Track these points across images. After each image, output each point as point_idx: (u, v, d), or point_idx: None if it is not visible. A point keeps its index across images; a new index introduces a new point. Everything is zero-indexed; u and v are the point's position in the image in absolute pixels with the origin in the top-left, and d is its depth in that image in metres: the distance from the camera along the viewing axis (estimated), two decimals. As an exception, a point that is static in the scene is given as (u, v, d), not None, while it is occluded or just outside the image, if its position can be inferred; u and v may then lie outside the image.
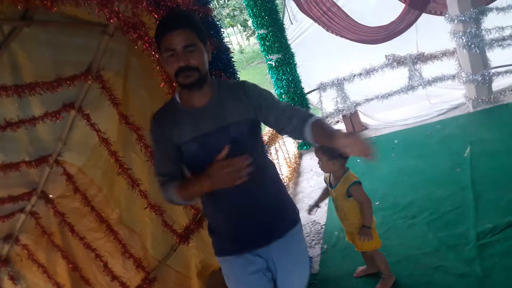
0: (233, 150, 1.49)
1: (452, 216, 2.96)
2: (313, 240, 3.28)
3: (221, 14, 19.72)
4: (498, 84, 5.16)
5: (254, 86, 1.64)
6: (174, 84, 2.26)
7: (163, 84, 2.26)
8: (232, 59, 2.29)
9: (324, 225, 3.45)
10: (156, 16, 1.83)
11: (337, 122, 5.96)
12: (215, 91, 1.59)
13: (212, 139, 1.54)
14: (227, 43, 2.30)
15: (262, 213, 1.65)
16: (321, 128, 1.47)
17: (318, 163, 2.38)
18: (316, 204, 2.59)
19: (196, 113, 1.56)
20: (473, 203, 3.02)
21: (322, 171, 2.47)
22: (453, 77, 5.29)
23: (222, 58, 2.19)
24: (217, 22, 2.21)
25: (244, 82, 1.66)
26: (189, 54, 1.46)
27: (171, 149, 1.59)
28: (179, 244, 2.93)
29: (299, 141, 5.49)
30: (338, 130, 1.44)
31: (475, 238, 2.64)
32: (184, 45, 1.44)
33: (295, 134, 1.57)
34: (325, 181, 2.55)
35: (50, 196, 3.07)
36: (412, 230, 2.95)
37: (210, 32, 2.16)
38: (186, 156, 1.58)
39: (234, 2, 18.94)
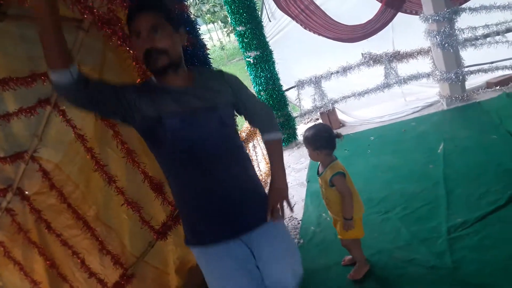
0: (219, 129, 1.54)
1: (425, 211, 3.05)
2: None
3: (202, 10, 19.64)
4: (471, 82, 5.32)
5: (233, 75, 1.70)
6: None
7: (139, 80, 2.25)
8: (209, 56, 2.30)
9: (300, 220, 3.50)
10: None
11: (316, 119, 6.03)
12: (197, 75, 1.59)
13: (202, 117, 1.52)
14: (204, 39, 2.31)
15: (242, 199, 1.62)
16: (268, 151, 1.79)
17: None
18: None
19: (181, 91, 1.52)
20: (445, 198, 3.12)
21: (299, 167, 2.53)
22: (428, 75, 5.43)
23: (198, 55, 2.20)
24: (193, 19, 2.22)
25: (222, 70, 1.70)
26: (156, 36, 1.43)
27: (120, 96, 1.47)
28: (157, 240, 2.93)
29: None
30: (279, 173, 1.75)
31: (446, 232, 2.73)
32: (150, 26, 1.42)
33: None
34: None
35: (26, 192, 3.03)
36: (386, 225, 3.04)
37: (186, 29, 2.16)
38: (168, 130, 1.48)
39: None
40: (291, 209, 1.81)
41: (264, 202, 1.71)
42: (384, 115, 5.47)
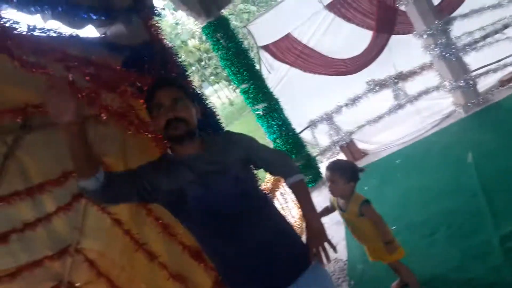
0: (236, 188, 1.59)
1: (470, 226, 2.94)
2: (339, 278, 3.25)
3: (205, 75, 20.39)
4: (484, 84, 5.30)
5: (240, 134, 1.80)
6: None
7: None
8: (219, 121, 2.41)
9: (346, 261, 3.43)
10: (142, 101, 1.95)
11: (337, 153, 6.03)
12: (207, 141, 1.70)
13: (217, 180, 1.58)
14: (212, 108, 2.43)
15: (273, 252, 1.62)
16: (295, 195, 1.78)
17: (329, 186, 2.46)
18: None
19: (193, 159, 1.61)
20: (488, 208, 3.01)
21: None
22: (437, 87, 5.44)
23: (210, 123, 2.31)
24: (198, 92, 2.35)
25: (228, 131, 1.84)
26: (177, 107, 1.56)
27: (141, 184, 1.56)
28: (210, 307, 2.91)
29: (304, 180, 5.53)
30: (311, 216, 1.73)
31: (498, 243, 2.62)
32: (172, 98, 1.56)
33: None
34: (332, 205, 2.64)
35: (77, 284, 3.08)
36: (433, 248, 2.94)
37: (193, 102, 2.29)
38: (190, 199, 1.55)
39: (214, 61, 19.61)
40: (334, 249, 1.74)
41: (301, 250, 1.70)
42: (405, 136, 5.45)
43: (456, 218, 3.10)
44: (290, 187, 1.77)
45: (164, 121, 1.55)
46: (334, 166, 2.46)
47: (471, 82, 5.06)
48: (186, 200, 1.56)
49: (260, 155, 1.74)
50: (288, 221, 1.85)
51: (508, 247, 2.55)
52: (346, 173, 2.41)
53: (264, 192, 1.86)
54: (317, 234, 1.70)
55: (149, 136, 2.13)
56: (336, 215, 4.16)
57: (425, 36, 5.02)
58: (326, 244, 1.70)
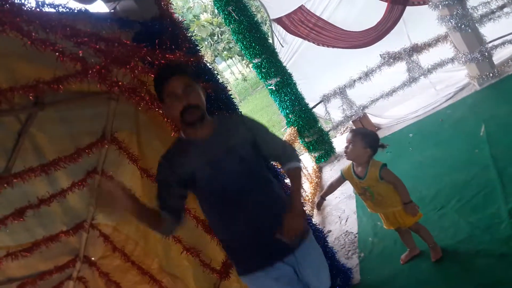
0: (241, 167, 1.72)
1: (480, 198, 2.96)
2: (349, 250, 3.30)
3: (218, 49, 20.21)
4: (499, 56, 5.17)
5: (250, 118, 1.91)
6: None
7: (173, 133, 2.39)
8: (231, 96, 2.41)
9: (357, 234, 3.47)
10: (152, 76, 1.97)
11: (348, 128, 6.00)
12: (216, 124, 1.79)
13: (223, 161, 1.72)
14: (223, 84, 2.43)
15: (271, 228, 1.74)
16: (291, 179, 1.89)
17: (346, 147, 2.53)
18: (323, 198, 2.75)
19: (203, 143, 1.74)
20: (499, 180, 3.01)
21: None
22: (452, 60, 5.33)
23: (221, 98, 2.32)
24: (211, 67, 2.35)
25: (239, 114, 1.97)
26: (190, 94, 1.66)
27: (175, 189, 1.76)
28: (221, 281, 3.00)
29: (316, 155, 5.55)
30: (295, 200, 1.83)
31: (507, 215, 2.63)
32: (184, 86, 1.65)
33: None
34: (342, 175, 2.68)
35: (92, 259, 3.20)
36: (444, 220, 2.96)
37: (205, 77, 2.29)
38: (200, 182, 1.73)
39: (227, 36, 19.39)
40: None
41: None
42: (418, 109, 5.39)
43: (467, 191, 3.11)
44: (287, 171, 1.91)
45: (180, 109, 1.65)
46: (357, 130, 2.57)
47: (486, 53, 4.94)
48: (197, 181, 1.73)
49: (266, 140, 1.85)
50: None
51: (517, 219, 2.56)
52: (367, 138, 2.49)
53: (270, 169, 1.97)
54: (298, 215, 1.81)
55: (160, 112, 2.15)
56: (346, 188, 4.22)
57: (440, 7, 4.88)
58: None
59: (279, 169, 2.22)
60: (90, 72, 1.74)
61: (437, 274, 2.55)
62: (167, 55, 2.02)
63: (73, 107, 2.35)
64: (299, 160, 1.94)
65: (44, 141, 2.25)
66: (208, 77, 2.28)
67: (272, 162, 2.37)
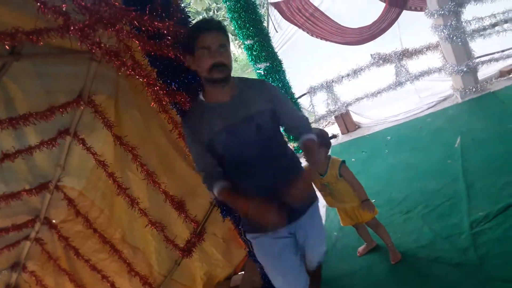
0: (258, 135, 1.75)
1: (446, 208, 3.02)
2: (313, 242, 3.33)
3: (210, 26, 19.83)
4: (484, 73, 5.24)
5: (273, 86, 1.95)
6: (163, 102, 2.34)
7: (153, 103, 2.34)
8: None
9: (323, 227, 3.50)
10: (137, 42, 1.91)
11: (332, 123, 6.02)
12: (237, 87, 1.79)
13: (240, 128, 1.74)
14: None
15: (283, 193, 1.76)
16: (306, 149, 1.90)
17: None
18: None
19: (222, 107, 1.76)
20: (465, 193, 3.08)
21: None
22: (439, 69, 5.38)
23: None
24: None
25: (263, 80, 1.93)
26: (223, 52, 1.67)
27: (203, 147, 1.81)
28: (183, 258, 3.00)
29: (295, 145, 5.56)
30: (309, 169, 1.92)
31: (468, 227, 2.70)
32: (219, 44, 1.66)
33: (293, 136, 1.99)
34: None
35: (53, 221, 3.14)
36: (408, 225, 3.02)
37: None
38: (217, 147, 1.76)
39: (223, 13, 19.06)
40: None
41: (310, 191, 1.99)
42: (399, 114, 5.44)
43: (434, 199, 3.18)
44: (304, 142, 1.93)
45: (210, 64, 1.65)
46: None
47: (472, 68, 5.01)
48: (216, 145, 1.76)
49: (286, 112, 1.89)
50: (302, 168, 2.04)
51: (476, 232, 2.65)
52: (327, 142, 2.58)
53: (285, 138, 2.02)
54: (308, 181, 1.87)
55: (141, 80, 2.09)
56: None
57: (436, 16, 4.90)
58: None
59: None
60: (72, 28, 1.66)
61: (394, 276, 2.60)
62: (156, 23, 1.95)
63: (51, 62, 2.27)
64: (314, 133, 1.99)
65: (16, 93, 2.17)
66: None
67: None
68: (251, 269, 2.91)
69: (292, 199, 1.72)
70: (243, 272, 3.14)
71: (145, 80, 2.12)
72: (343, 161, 2.59)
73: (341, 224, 2.85)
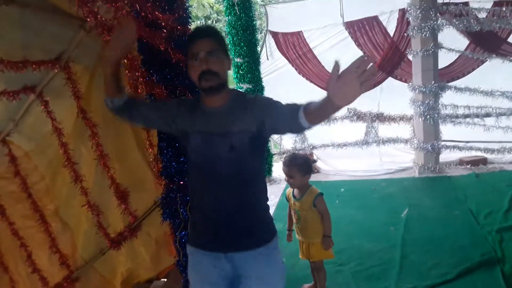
0: (230, 155, 1.65)
1: (377, 271, 3.11)
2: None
3: (205, 34, 19.96)
4: (445, 156, 5.52)
5: (265, 98, 1.76)
6: (139, 90, 2.32)
7: (128, 88, 2.31)
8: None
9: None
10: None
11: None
12: (230, 99, 1.71)
13: (215, 140, 1.66)
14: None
15: (232, 221, 1.70)
16: (311, 111, 1.51)
17: (288, 180, 2.65)
18: (289, 230, 2.86)
19: (210, 113, 1.70)
20: (399, 262, 3.19)
21: (273, 202, 2.60)
22: (406, 141, 5.62)
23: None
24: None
25: (257, 96, 1.82)
26: (211, 60, 1.60)
27: (155, 112, 1.81)
28: (110, 249, 2.90)
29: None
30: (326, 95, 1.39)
31: (394, 295, 2.79)
32: (207, 51, 1.60)
33: (294, 131, 1.72)
34: (286, 197, 2.80)
35: (-12, 174, 2.98)
36: (338, 277, 3.08)
37: (184, 51, 2.24)
38: (190, 145, 1.72)
39: (221, 25, 19.24)
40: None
41: (262, 231, 1.76)
42: (358, 170, 5.61)
43: (368, 260, 3.26)
44: (305, 114, 1.52)
45: (198, 73, 1.61)
46: (292, 162, 2.62)
47: (436, 149, 5.27)
48: (188, 145, 1.72)
49: (275, 115, 1.61)
50: (266, 205, 1.83)
51: (401, 302, 2.72)
52: (303, 167, 2.59)
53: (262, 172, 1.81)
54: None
55: (124, 61, 2.07)
56: (272, 210, 4.27)
57: (417, 91, 5.17)
58: None
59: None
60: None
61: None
62: (157, 12, 1.96)
63: (40, 17, 2.21)
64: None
65: (-7, 36, 2.09)
66: (185, 51, 2.23)
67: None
68: (175, 279, 2.85)
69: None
70: (165, 280, 3.08)
71: (128, 62, 2.10)
72: (321, 193, 2.63)
73: (300, 256, 2.82)
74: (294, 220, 2.73)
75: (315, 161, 2.75)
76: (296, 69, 5.81)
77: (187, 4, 2.34)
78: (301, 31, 5.74)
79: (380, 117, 5.62)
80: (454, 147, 5.42)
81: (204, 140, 1.68)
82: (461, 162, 5.49)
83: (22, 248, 3.02)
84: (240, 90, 1.87)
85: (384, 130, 5.67)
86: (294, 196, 2.70)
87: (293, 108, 1.55)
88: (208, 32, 1.66)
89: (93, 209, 2.80)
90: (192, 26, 2.40)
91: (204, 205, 1.76)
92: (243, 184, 1.72)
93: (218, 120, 1.68)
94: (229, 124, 1.67)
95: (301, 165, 2.60)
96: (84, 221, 2.96)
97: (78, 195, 2.81)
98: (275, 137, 5.89)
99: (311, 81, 5.80)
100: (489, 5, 5.17)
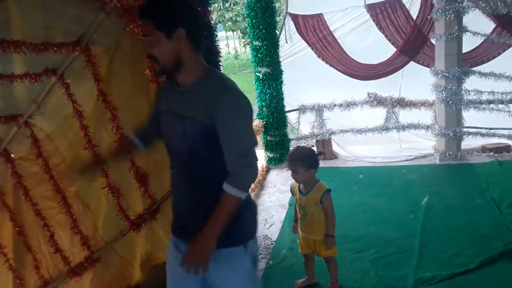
0: (183, 140, 1.57)
1: (396, 259, 3.08)
2: (260, 254, 3.34)
3: (224, 17, 19.84)
4: (467, 143, 5.40)
5: (230, 104, 1.51)
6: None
7: (148, 71, 2.29)
8: (220, 63, 2.34)
9: (274, 241, 3.52)
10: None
11: (312, 146, 6.06)
12: (200, 81, 1.55)
13: (174, 121, 1.61)
14: (219, 46, 2.36)
15: (191, 214, 1.68)
16: (221, 203, 1.53)
17: (292, 174, 2.53)
18: (295, 221, 2.79)
19: (178, 93, 1.61)
20: (418, 250, 3.15)
21: (284, 188, 2.59)
22: (427, 127, 5.51)
23: (210, 60, 2.25)
24: (213, 25, 2.27)
25: (228, 92, 1.53)
26: (147, 43, 1.50)
27: (154, 115, 1.78)
28: (129, 231, 2.93)
29: (270, 155, 5.57)
30: (209, 227, 1.52)
31: (412, 283, 2.75)
32: (143, 33, 1.51)
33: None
34: (291, 191, 2.70)
35: (12, 155, 3.03)
36: (356, 264, 3.06)
37: (204, 33, 2.21)
38: (160, 124, 1.71)
39: (238, 8, 19.07)
40: (204, 270, 1.54)
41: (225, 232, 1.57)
42: (377, 156, 5.53)
43: (387, 247, 3.23)
44: (224, 192, 1.53)
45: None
46: (294, 157, 2.51)
47: (458, 135, 5.15)
48: (159, 124, 1.71)
49: (224, 136, 1.52)
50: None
51: (418, 290, 2.69)
52: (305, 161, 2.47)
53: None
54: (199, 249, 1.53)
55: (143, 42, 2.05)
56: (283, 197, 4.27)
57: (440, 76, 5.03)
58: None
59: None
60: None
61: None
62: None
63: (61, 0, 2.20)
64: (246, 191, 1.57)
65: (16, 18, 2.09)
66: (207, 33, 2.20)
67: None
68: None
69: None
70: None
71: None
72: (329, 190, 2.54)
73: (299, 251, 2.80)
74: (299, 216, 2.64)
75: (321, 153, 2.66)
76: (315, 53, 5.71)
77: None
78: (322, 13, 5.62)
79: (401, 102, 5.50)
80: (476, 133, 5.29)
81: (167, 121, 1.66)
82: (483, 149, 5.36)
83: (45, 228, 3.07)
84: (219, 73, 1.66)
85: (405, 115, 5.56)
86: (300, 191, 2.60)
87: (229, 164, 1.54)
88: (141, 13, 1.49)
89: (113, 191, 2.82)
90: (212, 8, 2.38)
91: (172, 188, 1.77)
92: (200, 174, 1.61)
93: (179, 101, 1.59)
94: (185, 108, 1.56)
95: (303, 159, 2.47)
96: (105, 203, 2.99)
97: (99, 177, 2.84)
98: (293, 120, 5.83)
99: (331, 65, 5.69)
100: (518, -13, 4.96)
